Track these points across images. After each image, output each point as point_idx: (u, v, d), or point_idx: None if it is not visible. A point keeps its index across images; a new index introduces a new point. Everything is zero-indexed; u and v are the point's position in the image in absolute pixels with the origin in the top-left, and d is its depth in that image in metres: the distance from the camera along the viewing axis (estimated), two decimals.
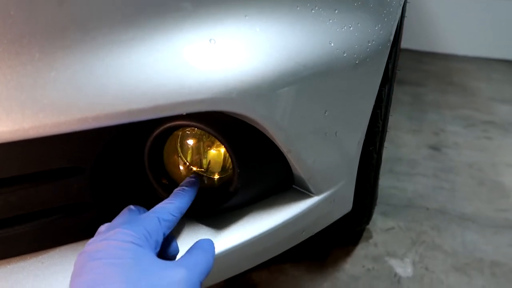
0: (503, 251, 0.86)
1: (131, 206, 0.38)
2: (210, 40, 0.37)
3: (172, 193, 0.40)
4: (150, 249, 0.32)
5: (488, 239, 0.90)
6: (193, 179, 0.42)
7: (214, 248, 0.38)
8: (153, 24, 0.34)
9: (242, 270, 0.49)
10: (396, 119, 1.63)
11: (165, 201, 0.38)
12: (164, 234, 0.35)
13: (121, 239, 0.31)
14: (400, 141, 1.42)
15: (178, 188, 0.41)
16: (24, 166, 0.36)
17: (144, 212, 0.38)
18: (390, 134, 1.53)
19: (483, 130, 1.54)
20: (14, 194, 0.37)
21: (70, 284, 0.29)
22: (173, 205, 0.38)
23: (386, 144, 1.38)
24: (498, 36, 2.74)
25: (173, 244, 0.39)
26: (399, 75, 2.40)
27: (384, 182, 1.13)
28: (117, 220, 0.36)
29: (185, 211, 0.39)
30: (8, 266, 0.38)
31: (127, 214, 0.37)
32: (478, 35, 2.77)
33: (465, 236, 0.91)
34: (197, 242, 0.38)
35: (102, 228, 0.35)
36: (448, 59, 2.74)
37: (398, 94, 1.96)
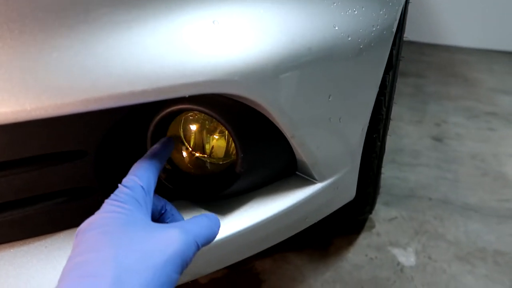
0: (506, 240, 0.86)
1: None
2: (213, 21, 0.36)
3: (147, 153, 0.38)
4: (141, 213, 0.32)
5: (491, 229, 0.90)
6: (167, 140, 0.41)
7: (219, 221, 0.37)
8: (155, 4, 0.34)
9: (246, 256, 0.49)
10: (398, 110, 1.62)
11: (141, 160, 0.37)
12: (152, 192, 0.35)
13: (109, 210, 0.31)
14: (403, 132, 1.42)
15: (152, 147, 0.39)
16: (27, 148, 0.36)
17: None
18: (392, 125, 1.51)
19: (486, 121, 1.53)
20: (18, 177, 0.37)
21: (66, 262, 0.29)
22: (150, 163, 0.37)
23: (388, 134, 1.38)
24: (500, 27, 2.72)
25: (178, 217, 0.40)
26: (400, 66, 2.37)
27: (387, 172, 1.12)
28: None
29: (161, 168, 0.38)
30: (12, 250, 0.38)
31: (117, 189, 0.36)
32: (480, 27, 2.75)
33: (468, 226, 0.91)
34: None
35: None
36: (450, 50, 2.72)
37: (400, 85, 1.95)
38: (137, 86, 0.33)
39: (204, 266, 0.44)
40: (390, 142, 1.35)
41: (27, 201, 0.39)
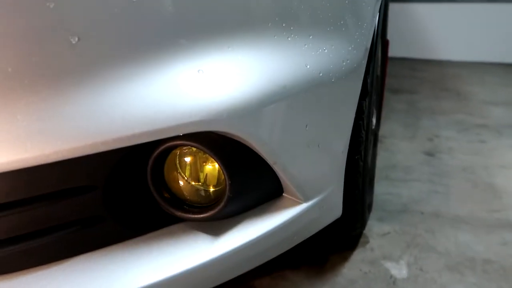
0: (495, 249, 0.90)
1: None
2: (198, 70, 0.43)
3: None
4: None
5: (480, 239, 0.94)
6: None
7: None
8: (149, 60, 0.41)
9: (239, 273, 0.54)
10: (391, 127, 1.68)
11: None
12: None
13: None
14: (395, 148, 1.47)
15: None
16: (45, 186, 0.42)
17: None
18: (386, 142, 1.58)
19: (477, 133, 1.58)
20: (37, 211, 0.43)
21: None
22: None
23: (381, 152, 1.43)
24: (490, 40, 2.80)
25: None
26: (393, 84, 2.44)
27: (380, 188, 1.17)
28: None
29: None
30: (33, 275, 0.44)
31: None
32: (471, 40, 2.84)
33: (458, 237, 0.95)
34: None
35: None
36: (442, 65, 2.80)
37: (393, 102, 2.02)
38: (137, 129, 0.40)
39: (200, 284, 0.50)
40: (384, 159, 1.40)
41: (44, 231, 0.45)
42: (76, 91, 0.38)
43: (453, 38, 2.89)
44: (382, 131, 1.62)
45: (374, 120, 0.98)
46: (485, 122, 1.71)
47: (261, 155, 0.48)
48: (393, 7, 2.84)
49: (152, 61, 0.41)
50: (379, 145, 1.48)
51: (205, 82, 0.43)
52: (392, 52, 2.87)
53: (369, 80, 0.69)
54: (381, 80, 1.17)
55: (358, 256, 0.89)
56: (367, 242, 0.94)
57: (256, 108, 0.45)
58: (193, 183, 0.52)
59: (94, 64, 0.39)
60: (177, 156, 0.51)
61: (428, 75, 2.59)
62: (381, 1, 0.79)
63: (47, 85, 0.37)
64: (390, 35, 1.32)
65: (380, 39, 0.94)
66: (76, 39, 0.37)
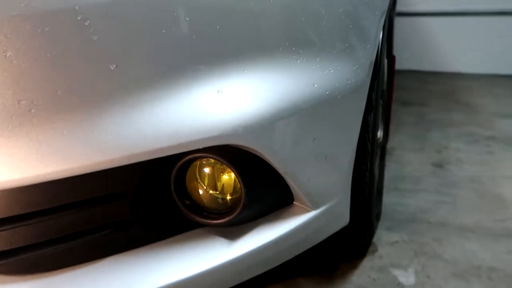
0: (500, 257, 0.92)
1: None
2: (218, 91, 0.49)
3: None
4: None
5: (486, 248, 0.96)
6: None
7: None
8: (175, 83, 0.47)
9: (253, 275, 0.58)
10: (400, 139, 1.71)
11: None
12: None
13: None
14: (404, 160, 1.50)
15: None
16: (82, 193, 0.48)
17: None
18: (395, 154, 1.61)
19: (486, 145, 1.60)
20: (74, 216, 0.48)
21: None
22: None
23: (390, 163, 1.47)
24: (500, 52, 2.81)
25: None
26: (403, 97, 2.46)
27: (389, 199, 1.21)
28: None
29: None
30: (70, 273, 0.49)
31: None
32: (481, 53, 2.85)
33: (465, 246, 0.97)
34: None
35: None
36: (452, 77, 2.82)
37: (403, 115, 2.05)
38: (164, 143, 0.45)
39: (217, 284, 0.54)
40: (393, 170, 1.43)
41: (80, 233, 0.50)
42: (113, 110, 0.44)
43: (463, 51, 2.91)
44: (391, 143, 1.65)
45: (380, 133, 1.03)
46: (494, 134, 1.73)
47: (273, 166, 0.53)
48: (402, 21, 2.89)
49: (178, 84, 0.47)
50: (388, 157, 1.52)
51: (224, 101, 0.49)
52: (402, 65, 2.92)
53: (373, 96, 0.73)
54: (388, 95, 1.22)
55: (367, 263, 0.93)
56: (376, 250, 0.98)
57: (269, 123, 0.50)
58: (211, 191, 0.58)
59: (129, 87, 0.45)
60: (197, 167, 0.57)
61: (438, 88, 2.61)
62: (385, 21, 0.84)
63: (89, 105, 0.43)
64: (399, 49, 1.37)
65: (386, 56, 0.99)
66: (114, 66, 0.43)
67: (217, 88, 0.49)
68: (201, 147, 0.48)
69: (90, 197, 0.48)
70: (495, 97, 2.34)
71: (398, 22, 1.41)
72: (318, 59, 0.58)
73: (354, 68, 0.63)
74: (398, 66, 1.33)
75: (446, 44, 2.96)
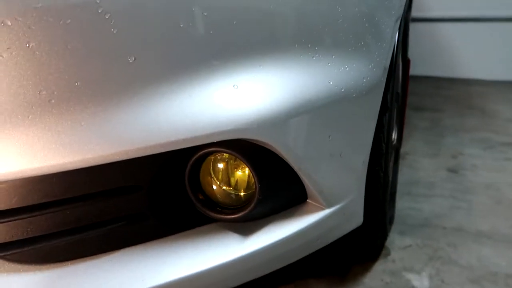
0: None
1: None
2: (234, 85, 0.49)
3: None
4: None
5: (502, 254, 0.94)
6: None
7: None
8: (192, 77, 0.47)
9: (265, 273, 0.58)
10: (414, 144, 1.69)
11: None
12: None
13: None
14: (418, 165, 1.48)
15: None
16: (97, 185, 0.49)
17: None
18: (408, 159, 1.59)
19: (502, 151, 1.57)
20: (89, 207, 0.49)
21: None
22: None
23: (404, 168, 1.45)
24: None
25: None
26: (417, 102, 2.44)
27: (402, 204, 1.19)
28: None
29: None
30: (84, 263, 0.50)
31: None
32: (496, 59, 2.81)
33: (481, 252, 0.95)
34: None
35: None
36: (467, 83, 2.79)
37: (416, 120, 2.03)
38: (180, 136, 0.46)
39: (229, 280, 0.54)
40: (406, 175, 1.42)
41: (95, 225, 0.51)
42: (130, 102, 0.45)
43: (477, 57, 2.87)
44: (404, 148, 1.63)
45: (395, 136, 1.02)
46: (510, 140, 1.69)
47: (287, 162, 0.53)
48: (417, 26, 2.87)
49: (194, 77, 0.47)
50: (401, 161, 1.50)
51: (240, 96, 0.49)
52: (417, 70, 2.89)
53: (389, 97, 0.73)
54: (403, 98, 1.21)
55: (379, 267, 0.92)
56: (389, 254, 0.96)
57: (284, 119, 0.50)
58: (224, 187, 0.58)
59: (146, 80, 0.45)
60: (211, 163, 0.57)
61: (452, 93, 2.58)
62: (401, 22, 0.84)
63: (107, 97, 0.44)
64: (414, 54, 1.36)
65: (401, 58, 0.98)
66: (133, 58, 0.44)
67: (233, 83, 0.49)
68: (215, 141, 0.48)
69: (106, 188, 0.49)
70: (509, 102, 2.30)
71: (413, 27, 1.40)
72: (333, 56, 0.58)
73: (370, 66, 0.62)
74: (412, 71, 1.32)
75: (460, 50, 2.93)
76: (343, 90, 0.57)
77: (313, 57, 0.55)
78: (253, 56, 0.50)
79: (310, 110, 0.53)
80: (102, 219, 0.50)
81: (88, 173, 0.47)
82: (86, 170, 0.46)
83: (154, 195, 0.52)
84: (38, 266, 0.49)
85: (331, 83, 0.56)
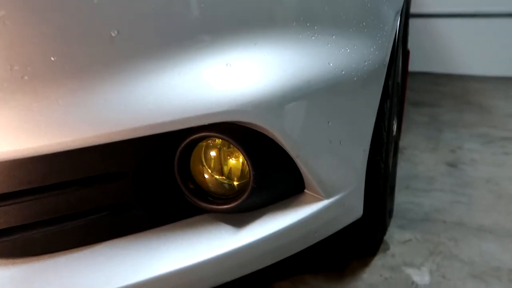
0: None
1: None
2: (226, 64, 0.45)
3: None
4: None
5: (505, 249, 0.91)
6: None
7: None
8: (181, 54, 0.43)
9: (260, 267, 0.54)
10: (412, 139, 1.67)
11: None
12: None
13: None
14: (417, 160, 1.45)
15: None
16: (79, 171, 0.45)
17: None
18: (407, 153, 1.57)
19: (501, 146, 1.55)
20: (70, 195, 0.45)
21: None
22: None
23: (402, 163, 1.42)
24: None
25: None
26: (415, 97, 2.42)
27: (401, 198, 1.16)
28: None
29: None
30: (64, 257, 0.46)
31: None
32: (494, 55, 2.80)
33: (482, 246, 0.92)
34: None
35: None
36: (465, 79, 2.76)
37: (415, 115, 2.00)
38: (168, 117, 0.42)
39: (222, 274, 0.51)
40: (405, 169, 1.39)
41: (75, 215, 0.47)
42: (113, 80, 0.41)
43: (476, 53, 2.85)
44: (403, 143, 1.60)
45: (395, 127, 0.99)
46: (509, 135, 1.67)
47: (284, 148, 0.49)
48: (414, 22, 2.84)
49: (183, 54, 0.43)
50: (400, 156, 1.47)
51: (233, 75, 0.45)
52: (414, 66, 2.86)
53: (390, 83, 0.69)
54: (402, 89, 1.18)
55: (378, 261, 0.88)
56: (388, 248, 0.93)
57: (280, 101, 0.47)
58: (217, 176, 0.54)
59: (130, 56, 0.41)
60: (203, 150, 0.53)
61: (450, 89, 2.56)
62: (402, 8, 0.80)
63: (87, 74, 0.40)
64: (412, 50, 1.33)
65: (401, 46, 0.95)
66: (116, 32, 0.40)
67: (225, 61, 0.45)
68: (207, 124, 0.44)
69: (87, 175, 0.45)
70: (508, 98, 2.28)
71: (411, 23, 1.36)
72: (334, 37, 0.54)
73: (372, 49, 0.59)
74: (410, 67, 1.29)
75: (458, 46, 2.91)
76: (343, 72, 0.54)
77: (312, 36, 0.52)
78: (248, 33, 0.47)
79: (308, 92, 0.49)
80: (83, 208, 0.46)
81: (67, 158, 0.43)
82: (64, 155, 0.42)
83: (140, 183, 0.48)
84: (13, 260, 0.45)
85: (331, 64, 0.52)
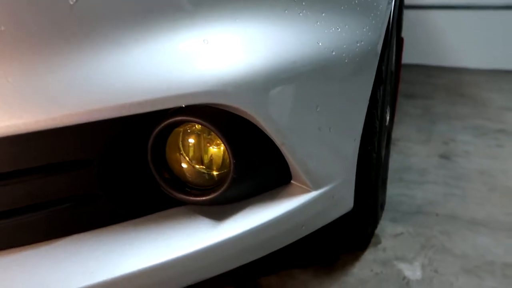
0: None
1: None
2: (203, 40, 0.40)
3: None
4: None
5: (499, 242, 0.88)
6: None
7: None
8: (151, 26, 0.39)
9: (242, 263, 0.50)
10: (405, 131, 1.63)
11: None
12: None
13: None
14: (410, 151, 1.42)
15: None
16: (36, 158, 0.40)
17: None
18: (400, 145, 1.53)
19: (494, 138, 1.52)
20: (26, 185, 0.40)
21: None
22: None
23: (395, 154, 1.39)
24: (508, 47, 2.74)
25: None
26: (408, 89, 2.39)
27: (394, 190, 1.13)
28: None
29: None
30: (23, 253, 0.41)
31: None
32: (488, 47, 2.78)
33: (476, 240, 0.90)
34: None
35: None
36: (458, 72, 2.74)
37: (408, 107, 1.97)
38: (136, 98, 0.37)
39: (200, 271, 0.46)
40: (397, 161, 1.35)
41: (34, 207, 0.42)
42: (72, 55, 0.36)
43: (469, 45, 2.83)
44: (396, 135, 1.57)
45: (388, 116, 0.95)
46: (503, 127, 1.65)
47: (268, 135, 0.45)
48: (408, 14, 2.80)
49: (154, 27, 0.39)
50: (393, 147, 1.44)
51: (211, 53, 0.40)
52: (408, 58, 2.83)
53: (383, 68, 0.65)
54: (396, 78, 1.14)
55: (369, 256, 0.85)
56: (379, 242, 0.90)
57: (264, 83, 0.42)
58: (196, 165, 0.50)
59: (92, 27, 0.37)
60: (180, 136, 0.49)
61: (443, 82, 2.53)
62: None
63: (42, 47, 0.35)
64: (405, 42, 1.29)
65: (396, 31, 0.90)
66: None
67: (203, 37, 0.40)
68: (181, 105, 0.40)
69: (46, 163, 0.40)
70: (502, 91, 2.26)
71: (404, 15, 1.32)
72: (323, 14, 0.50)
73: (364, 30, 0.55)
74: (402, 59, 1.25)
75: (451, 38, 2.88)
76: (333, 53, 0.49)
77: (299, 13, 0.47)
78: (228, 7, 0.42)
79: (296, 73, 0.45)
80: (42, 200, 0.41)
81: (22, 143, 0.38)
82: (18, 139, 0.37)
83: (107, 172, 0.43)
84: None
85: (320, 44, 0.48)
